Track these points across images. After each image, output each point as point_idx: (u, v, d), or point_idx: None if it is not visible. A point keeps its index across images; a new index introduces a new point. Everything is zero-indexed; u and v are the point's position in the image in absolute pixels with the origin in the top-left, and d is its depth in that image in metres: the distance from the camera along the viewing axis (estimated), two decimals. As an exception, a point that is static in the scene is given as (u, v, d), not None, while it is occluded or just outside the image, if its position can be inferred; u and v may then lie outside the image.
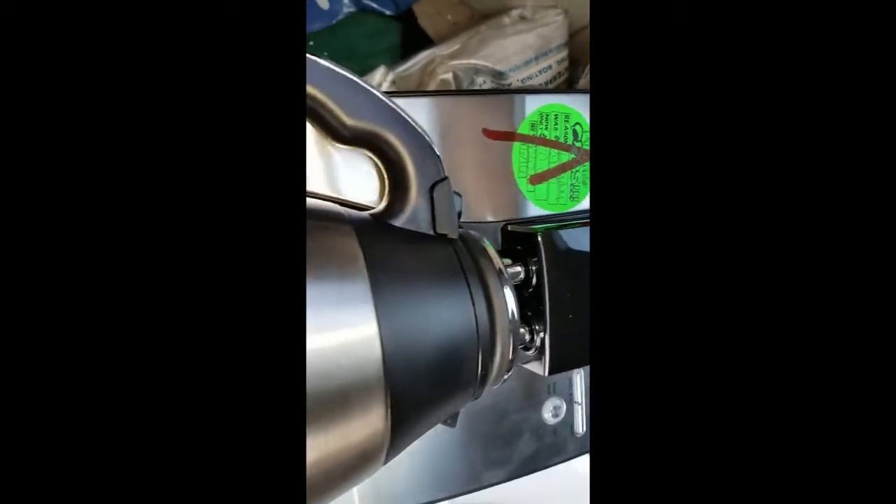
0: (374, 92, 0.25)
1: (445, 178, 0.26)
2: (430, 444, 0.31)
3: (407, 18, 0.54)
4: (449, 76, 0.49)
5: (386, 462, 0.23)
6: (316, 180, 0.27)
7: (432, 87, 0.49)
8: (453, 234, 0.26)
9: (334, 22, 0.50)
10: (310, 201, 0.26)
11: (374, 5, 0.50)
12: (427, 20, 0.54)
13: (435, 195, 0.26)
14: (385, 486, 0.31)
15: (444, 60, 0.49)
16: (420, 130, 0.26)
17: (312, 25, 0.50)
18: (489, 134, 0.32)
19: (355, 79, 0.24)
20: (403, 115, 0.25)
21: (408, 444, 0.24)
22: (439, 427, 0.28)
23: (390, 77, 0.49)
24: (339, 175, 0.27)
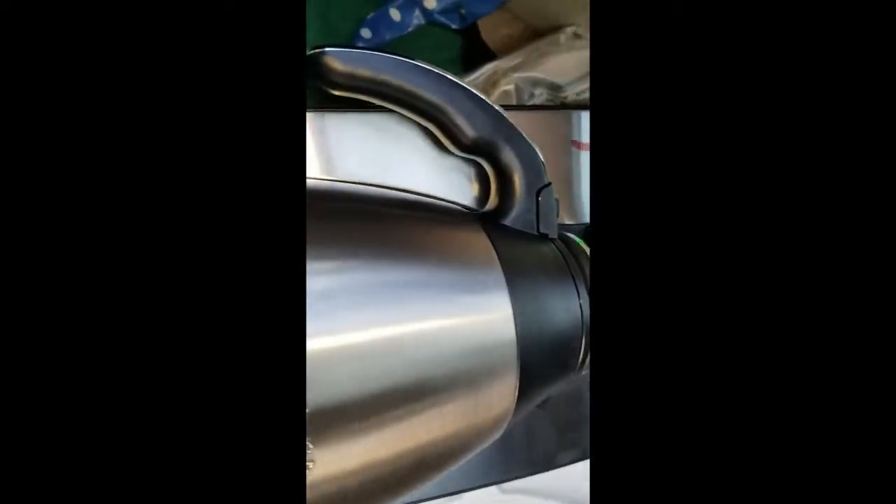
0: (495, 107, 0.28)
1: (549, 184, 0.30)
2: (519, 425, 0.35)
3: (468, 32, 0.57)
4: (511, 87, 0.52)
5: (503, 433, 0.26)
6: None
7: (494, 97, 0.52)
8: (553, 234, 0.30)
9: (404, 33, 0.53)
10: (435, 201, 0.29)
11: (443, 19, 0.53)
12: (486, 34, 0.58)
13: (540, 199, 0.29)
14: (472, 462, 0.34)
15: (506, 73, 0.52)
16: (529, 141, 0.29)
17: (385, 36, 0.53)
18: (577, 145, 0.35)
19: (480, 95, 0.28)
20: (516, 128, 0.29)
21: (520, 418, 0.27)
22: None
23: (457, 87, 0.52)
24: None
